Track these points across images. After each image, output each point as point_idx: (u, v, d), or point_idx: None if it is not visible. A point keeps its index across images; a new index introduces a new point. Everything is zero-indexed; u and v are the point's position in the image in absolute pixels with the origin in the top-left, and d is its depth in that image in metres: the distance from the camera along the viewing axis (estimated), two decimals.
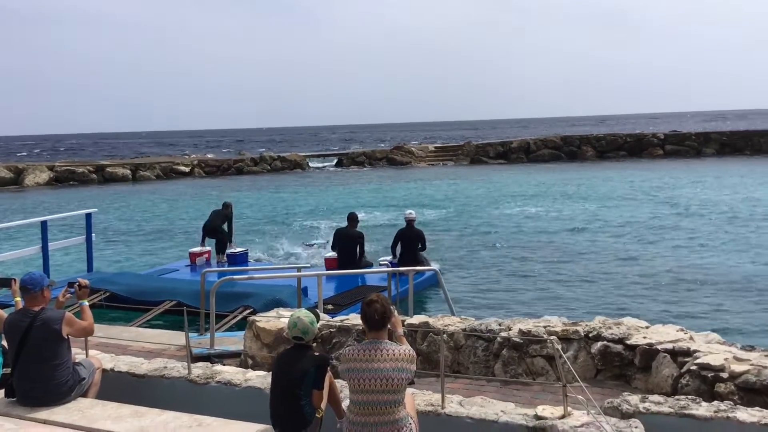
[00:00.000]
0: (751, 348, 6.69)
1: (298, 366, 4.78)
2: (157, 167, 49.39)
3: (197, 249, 15.58)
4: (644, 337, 6.91)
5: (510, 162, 51.34)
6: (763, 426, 4.74)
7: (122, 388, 6.24)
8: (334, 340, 7.68)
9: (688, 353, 6.43)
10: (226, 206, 16.42)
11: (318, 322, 5.01)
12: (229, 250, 15.39)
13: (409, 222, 14.17)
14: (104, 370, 6.33)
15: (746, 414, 4.87)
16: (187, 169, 49.85)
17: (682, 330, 7.08)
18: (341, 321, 7.82)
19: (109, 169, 48.19)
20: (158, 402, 5.79)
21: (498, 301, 13.93)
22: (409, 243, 13.93)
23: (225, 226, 16.19)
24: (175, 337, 9.01)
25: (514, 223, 23.87)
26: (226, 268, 13.04)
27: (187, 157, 59.15)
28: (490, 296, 14.30)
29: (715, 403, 5.11)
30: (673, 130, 61.94)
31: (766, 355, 6.28)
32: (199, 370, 6.29)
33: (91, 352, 6.70)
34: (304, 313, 4.99)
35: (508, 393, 6.81)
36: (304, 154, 59.83)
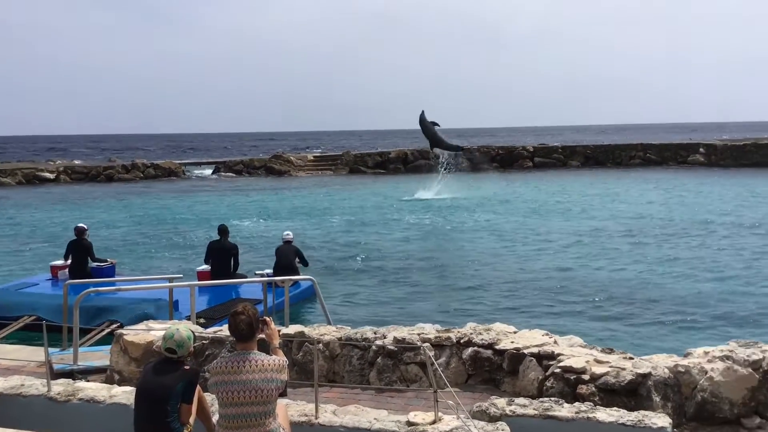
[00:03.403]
0: (611, 350, 7.07)
1: (167, 380, 4.62)
2: (18, 173, 46.66)
3: (59, 262, 14.54)
4: (512, 342, 7.17)
5: (388, 172, 52.04)
6: (621, 425, 5.01)
7: None
8: (206, 352, 7.50)
9: (552, 357, 6.72)
10: (81, 233, 14.20)
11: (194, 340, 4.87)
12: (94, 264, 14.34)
13: (286, 242, 14.09)
14: None
15: (605, 414, 5.14)
16: (51, 176, 47.38)
17: (547, 334, 7.39)
18: (214, 332, 7.64)
19: None
20: (15, 422, 5.45)
21: (376, 309, 14.05)
22: (286, 256, 13.79)
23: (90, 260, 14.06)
24: (35, 353, 8.50)
25: (392, 232, 24.19)
26: (91, 280, 12.37)
27: (51, 163, 56.23)
28: (369, 305, 14.41)
29: (577, 404, 5.36)
30: (542, 143, 64.72)
31: (623, 357, 6.66)
32: (59, 387, 5.96)
33: None
34: (183, 326, 4.84)
35: (383, 400, 6.87)
36: (180, 161, 58.18)
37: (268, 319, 4.94)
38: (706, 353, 6.54)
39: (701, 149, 53.67)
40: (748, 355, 6.36)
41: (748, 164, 49.37)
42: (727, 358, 6.37)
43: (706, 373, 6.28)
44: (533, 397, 5.91)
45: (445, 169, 37.77)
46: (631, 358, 6.59)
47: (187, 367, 4.72)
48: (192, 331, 4.82)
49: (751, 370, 6.27)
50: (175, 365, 4.68)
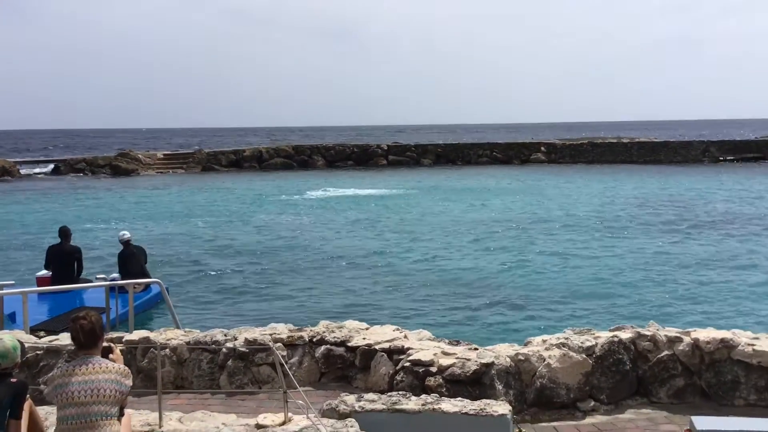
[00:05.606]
0: (457, 342, 7.30)
1: None
2: None
3: None
4: (364, 339, 7.24)
5: (242, 170, 51.23)
6: (464, 415, 5.17)
7: None
8: (41, 363, 7.04)
9: (402, 351, 6.84)
10: None
11: (21, 352, 4.52)
12: None
13: (125, 243, 13.37)
14: None
15: (449, 405, 5.28)
16: None
17: (398, 329, 7.52)
18: (50, 341, 7.19)
19: None
20: None
21: (228, 311, 13.78)
22: (128, 261, 13.17)
23: None
24: None
25: (247, 231, 23.81)
26: None
27: None
28: (221, 307, 14.12)
29: (423, 396, 5.47)
30: (395, 141, 65.98)
31: (469, 348, 6.90)
32: None
33: None
34: (8, 337, 4.49)
35: (234, 404, 6.74)
36: (13, 160, 54.30)
37: (113, 345, 4.69)
38: (544, 341, 6.90)
39: (543, 148, 56.69)
40: (582, 342, 6.77)
41: (584, 161, 53.11)
42: (563, 345, 6.74)
43: (544, 360, 6.62)
44: (384, 392, 5.99)
45: None
46: (476, 349, 6.84)
47: (13, 380, 4.39)
48: (19, 341, 4.49)
49: (584, 356, 6.67)
50: (0, 378, 4.35)
